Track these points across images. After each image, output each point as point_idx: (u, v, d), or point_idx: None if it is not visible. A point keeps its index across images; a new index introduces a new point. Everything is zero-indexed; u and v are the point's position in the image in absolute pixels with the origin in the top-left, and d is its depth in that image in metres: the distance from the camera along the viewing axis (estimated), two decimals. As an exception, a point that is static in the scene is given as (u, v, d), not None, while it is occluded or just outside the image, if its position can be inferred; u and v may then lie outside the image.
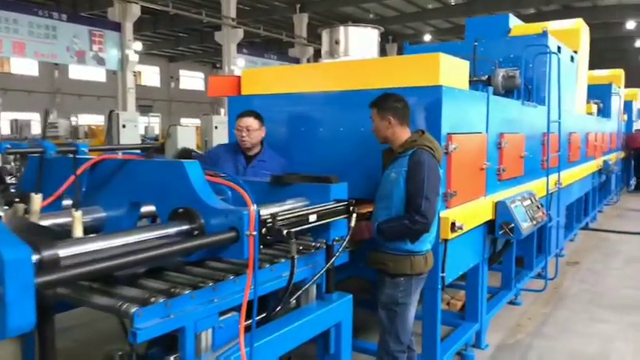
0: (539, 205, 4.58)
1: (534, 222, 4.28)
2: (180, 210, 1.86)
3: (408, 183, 2.83)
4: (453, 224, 3.21)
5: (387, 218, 2.89)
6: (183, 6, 21.61)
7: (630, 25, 27.89)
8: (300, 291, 2.23)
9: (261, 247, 1.84)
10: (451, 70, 3.39)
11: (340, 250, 2.33)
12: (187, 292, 1.81)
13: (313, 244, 2.47)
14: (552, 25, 7.58)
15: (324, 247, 2.42)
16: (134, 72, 20.56)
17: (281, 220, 1.91)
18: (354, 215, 2.36)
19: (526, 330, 4.54)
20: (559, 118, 5.25)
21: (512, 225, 3.90)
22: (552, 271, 5.64)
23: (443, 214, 3.21)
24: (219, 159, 3.54)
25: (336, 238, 2.38)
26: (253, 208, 1.76)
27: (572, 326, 4.64)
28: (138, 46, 22.59)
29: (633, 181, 15.64)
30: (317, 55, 24.23)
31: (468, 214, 3.49)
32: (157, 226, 1.81)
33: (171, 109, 35.09)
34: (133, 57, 19.68)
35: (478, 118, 3.80)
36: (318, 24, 22.75)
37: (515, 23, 6.44)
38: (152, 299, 1.73)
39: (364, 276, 3.52)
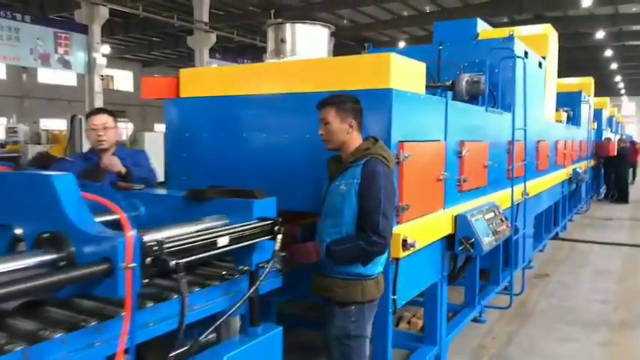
0: (503, 218, 4.32)
1: (497, 236, 4.01)
2: (46, 235, 1.50)
3: (361, 197, 2.53)
4: (405, 241, 2.90)
5: (337, 237, 2.57)
6: (154, 9, 21.11)
7: (600, 34, 28.30)
8: (213, 326, 1.88)
9: (148, 280, 1.49)
10: (404, 73, 3.10)
11: (263, 277, 1.99)
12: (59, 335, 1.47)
13: (240, 268, 2.14)
14: (521, 31, 7.44)
15: (247, 272, 2.08)
16: (103, 76, 19.96)
17: (172, 246, 1.57)
18: (279, 236, 2.02)
19: (489, 352, 4.27)
20: (525, 126, 5.02)
21: (473, 240, 3.62)
22: (519, 285, 5.41)
23: (394, 230, 2.90)
24: (72, 169, 3.17)
25: (261, 263, 2.05)
26: (131, 233, 1.42)
27: (538, 346, 4.38)
28: (106, 49, 22.04)
29: (603, 190, 15.68)
30: (291, 61, 23.95)
31: (422, 229, 3.20)
32: (10, 257, 1.46)
33: (145, 114, 34.35)
34: (101, 60, 19.11)
35: (435, 125, 3.52)
36: (291, 29, 22.47)
37: (483, 28, 6.22)
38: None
39: (310, 299, 3.19)
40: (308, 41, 3.44)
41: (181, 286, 1.52)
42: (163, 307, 1.70)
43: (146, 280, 1.48)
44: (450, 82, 5.18)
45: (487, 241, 3.73)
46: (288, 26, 3.45)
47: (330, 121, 2.61)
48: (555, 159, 7.84)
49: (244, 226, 1.94)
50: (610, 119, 19.60)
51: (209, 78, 3.62)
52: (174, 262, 1.48)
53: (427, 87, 5.29)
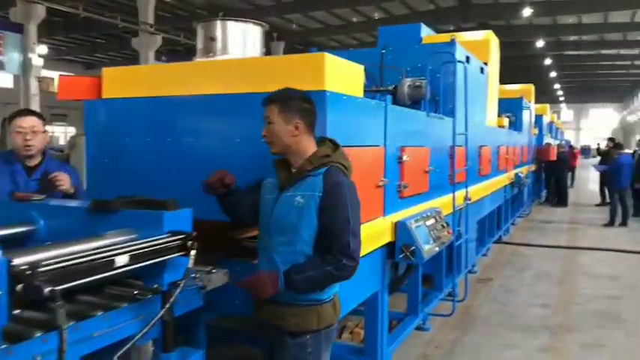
0: (445, 224, 4.25)
1: (439, 242, 3.94)
2: None
3: (324, 213, 2.20)
4: (341, 252, 2.74)
5: (291, 257, 2.23)
6: (96, 10, 20.30)
7: (540, 43, 29.40)
8: (118, 354, 1.66)
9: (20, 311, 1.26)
10: (340, 74, 2.96)
11: (174, 298, 1.78)
12: None
13: (152, 287, 1.92)
14: (463, 36, 7.51)
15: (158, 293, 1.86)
16: (40, 78, 19.00)
17: (51, 269, 1.34)
18: (193, 252, 1.82)
19: (432, 361, 4.19)
20: (466, 131, 5.00)
21: (413, 248, 3.52)
22: (463, 291, 5.38)
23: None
24: None
25: (173, 282, 1.84)
26: (-5, 255, 1.19)
27: (481, 354, 4.34)
28: (43, 49, 21.02)
29: (544, 193, 16.18)
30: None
31: (363, 238, 3.05)
32: None
33: (86, 118, 32.99)
34: (37, 61, 18.23)
35: (374, 130, 3.39)
36: (240, 33, 22.25)
37: (427, 33, 6.21)
38: None
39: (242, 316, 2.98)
40: (240, 40, 3.25)
41: (58, 318, 1.29)
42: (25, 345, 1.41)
43: (17, 311, 1.24)
44: (393, 86, 5.14)
45: (428, 249, 3.64)
46: (218, 24, 3.25)
47: (273, 121, 2.28)
48: (498, 164, 7.94)
49: (151, 241, 1.72)
50: (550, 125, 20.35)
51: (134, 78, 3.36)
52: (48, 290, 1.25)
53: (369, 91, 5.23)
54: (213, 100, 2.98)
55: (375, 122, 3.40)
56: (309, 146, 2.33)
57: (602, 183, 14.50)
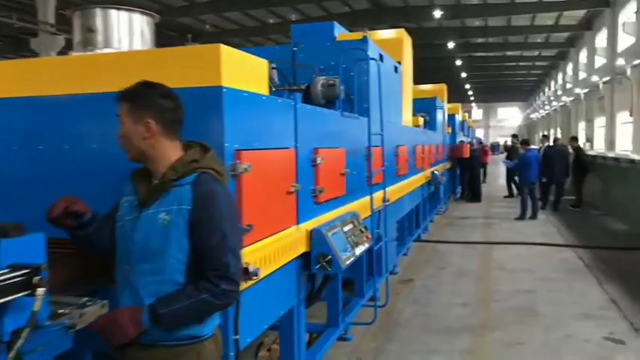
0: (364, 228, 4.05)
1: (358, 248, 3.72)
2: None
3: (196, 230, 1.83)
4: (246, 270, 2.42)
5: (158, 288, 1.84)
6: (-14, 7, 18.58)
7: (451, 45, 30.55)
8: None
9: None
10: (241, 69, 2.64)
11: (14, 353, 1.38)
12: None
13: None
14: (377, 35, 7.43)
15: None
16: None
17: None
18: (41, 290, 1.43)
19: (355, 374, 3.97)
20: (382, 131, 4.84)
21: (330, 257, 3.27)
22: (385, 295, 5.22)
23: (233, 256, 2.41)
24: None
25: (17, 330, 1.44)
26: None
27: (404, 361, 4.19)
28: None
29: (459, 190, 16.70)
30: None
31: (270, 251, 2.75)
32: None
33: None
34: None
35: (283, 131, 3.10)
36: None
37: (340, 32, 6.02)
38: None
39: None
40: (125, 31, 2.83)
41: None
42: None
43: None
44: (305, 85, 4.89)
45: (346, 257, 3.40)
46: (98, 12, 2.81)
47: (124, 121, 1.94)
48: (414, 163, 7.94)
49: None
50: (462, 124, 21.14)
51: (2, 75, 2.84)
52: None
53: (282, 90, 4.94)
54: (91, 100, 2.56)
55: (284, 122, 3.11)
56: (171, 151, 1.94)
57: (509, 177, 15.19)
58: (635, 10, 22.27)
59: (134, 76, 2.53)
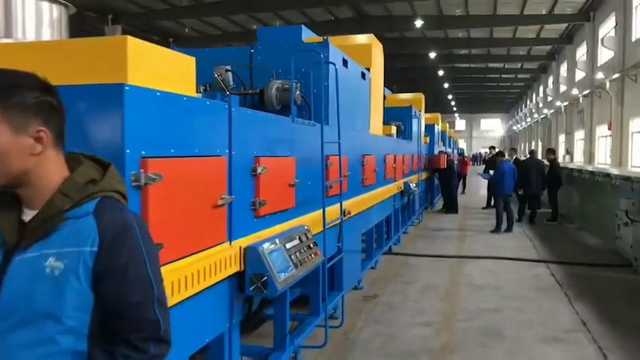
0: (313, 244, 3.75)
1: (303, 267, 3.41)
2: None
3: (108, 280, 1.33)
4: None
5: None
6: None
7: (432, 55, 30.56)
8: None
9: None
10: (156, 66, 2.34)
11: None
12: None
13: None
14: (346, 40, 7.18)
15: None
16: None
17: None
18: None
19: (298, 404, 3.64)
20: (339, 139, 4.55)
21: (266, 278, 2.96)
22: (352, 313, 4.91)
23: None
24: None
25: None
26: None
27: (355, 388, 3.88)
28: None
29: (437, 200, 16.51)
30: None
31: (188, 273, 2.43)
32: None
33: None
34: None
35: (213, 137, 2.79)
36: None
37: (308, 36, 5.76)
38: None
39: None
40: (30, 21, 2.50)
41: None
42: None
43: None
44: (259, 89, 4.61)
45: (285, 278, 3.09)
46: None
47: None
48: (385, 173, 7.68)
49: None
50: (443, 134, 21.02)
51: None
52: None
53: (235, 94, 4.65)
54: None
55: (214, 127, 2.80)
56: (56, 169, 1.39)
57: (489, 189, 15.05)
58: (615, 24, 22.45)
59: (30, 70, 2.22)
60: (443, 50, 31.96)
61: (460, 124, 71.61)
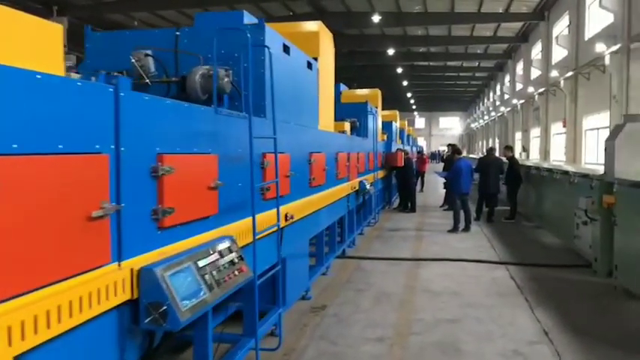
0: (238, 258, 3.15)
1: (221, 288, 2.81)
2: None
3: None
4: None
5: None
6: None
7: (391, 51, 30.34)
8: None
9: None
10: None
11: None
12: None
13: None
14: (292, 27, 6.62)
15: None
16: None
17: None
18: None
19: None
20: (274, 133, 3.96)
21: (165, 307, 2.35)
22: (290, 331, 4.34)
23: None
24: None
25: None
26: None
27: None
28: None
29: (395, 199, 16.13)
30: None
31: (41, 309, 1.81)
32: None
33: None
34: None
35: (89, 128, 2.16)
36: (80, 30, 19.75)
37: (249, 21, 5.17)
38: None
39: None
40: None
41: None
42: None
43: None
44: (180, 76, 4.00)
45: (193, 305, 2.49)
46: None
47: None
48: (336, 172, 7.14)
49: None
50: (402, 132, 20.70)
51: None
52: None
53: (157, 82, 4.01)
54: None
55: (90, 116, 2.17)
56: None
57: (447, 187, 14.77)
58: (568, 23, 22.66)
59: None
60: (402, 48, 31.81)
61: (420, 122, 72.12)
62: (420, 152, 23.59)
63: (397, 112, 18.31)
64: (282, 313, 4.83)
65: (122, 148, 2.32)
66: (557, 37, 23.94)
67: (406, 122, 25.39)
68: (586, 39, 20.73)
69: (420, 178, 20.55)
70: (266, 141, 4.00)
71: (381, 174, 12.51)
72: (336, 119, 9.08)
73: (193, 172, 2.94)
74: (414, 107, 64.43)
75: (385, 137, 14.88)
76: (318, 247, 6.84)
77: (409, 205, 14.27)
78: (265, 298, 4.64)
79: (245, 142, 3.70)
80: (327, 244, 7.53)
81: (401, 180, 14.58)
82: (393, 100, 42.67)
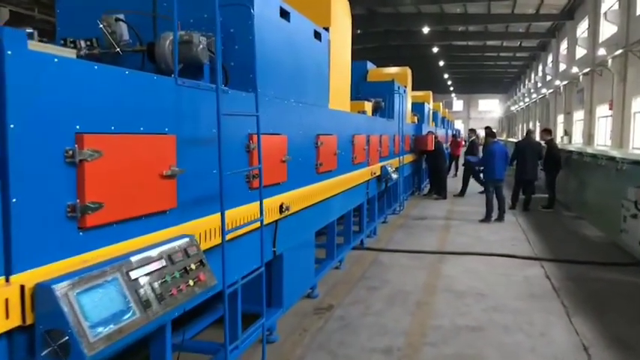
0: (196, 264, 2.56)
1: (165, 304, 2.23)
2: None
3: None
4: None
5: None
6: None
7: (426, 30, 29.14)
8: None
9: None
10: None
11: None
12: None
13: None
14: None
15: None
16: None
17: None
18: None
19: None
20: (257, 111, 3.32)
21: (67, 337, 1.78)
22: (285, 336, 3.76)
23: None
24: None
25: None
26: None
27: None
28: None
29: (425, 185, 15.32)
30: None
31: None
32: None
33: None
34: None
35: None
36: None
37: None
38: None
39: None
40: None
41: None
42: None
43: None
44: (148, 43, 3.43)
45: (110, 332, 1.91)
46: None
47: None
48: (353, 156, 6.48)
49: None
50: (435, 114, 19.70)
51: None
52: None
53: (130, 51, 3.48)
54: None
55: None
56: None
57: (466, 173, 13.85)
58: (619, -4, 21.06)
59: None
60: (438, 27, 30.49)
61: (458, 104, 70.03)
62: (454, 135, 22.50)
63: (430, 93, 17.38)
64: (280, 316, 4.28)
65: (11, 125, 1.75)
66: (605, 13, 22.29)
67: (441, 104, 24.31)
68: (638, 14, 19.17)
69: (454, 163, 19.64)
70: (254, 120, 3.38)
71: (409, 158, 11.75)
72: (359, 98, 8.40)
73: (136, 156, 2.35)
74: (451, 89, 62.46)
75: (416, 119, 14.05)
76: (329, 239, 6.23)
77: (439, 191, 13.46)
78: (258, 299, 4.08)
79: (211, 120, 3.09)
80: (341, 235, 6.92)
81: (431, 164, 13.76)
82: (429, 82, 41.20)
